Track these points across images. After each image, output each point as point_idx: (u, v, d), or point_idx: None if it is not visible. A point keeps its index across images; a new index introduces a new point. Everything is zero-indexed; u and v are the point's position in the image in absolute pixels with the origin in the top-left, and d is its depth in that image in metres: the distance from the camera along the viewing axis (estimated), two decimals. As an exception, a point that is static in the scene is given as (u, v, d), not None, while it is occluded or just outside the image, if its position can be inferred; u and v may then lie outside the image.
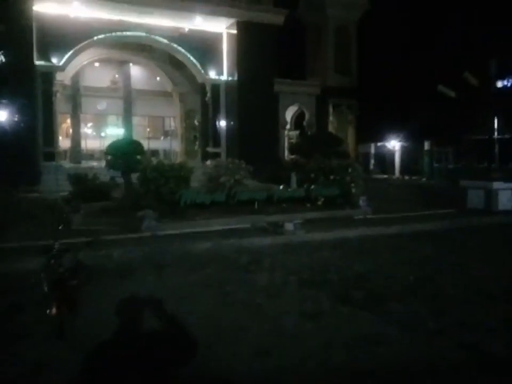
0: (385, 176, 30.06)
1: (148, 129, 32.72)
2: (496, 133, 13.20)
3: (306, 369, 3.94)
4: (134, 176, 11.43)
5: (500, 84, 12.12)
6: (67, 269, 4.54)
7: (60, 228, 4.90)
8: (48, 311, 4.16)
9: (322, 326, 4.83)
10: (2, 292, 5.88)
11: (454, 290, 6.12)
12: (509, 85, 12.04)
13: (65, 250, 4.61)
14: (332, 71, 28.83)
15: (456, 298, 5.77)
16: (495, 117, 12.68)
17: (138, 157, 12.63)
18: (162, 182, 10.06)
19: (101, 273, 6.92)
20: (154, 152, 30.02)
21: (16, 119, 19.28)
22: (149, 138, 30.77)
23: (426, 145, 28.98)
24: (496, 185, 12.27)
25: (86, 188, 12.84)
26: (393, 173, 30.90)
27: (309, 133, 26.77)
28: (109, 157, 11.92)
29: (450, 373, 3.90)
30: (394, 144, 31.00)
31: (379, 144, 32.58)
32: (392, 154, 31.46)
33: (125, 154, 11.39)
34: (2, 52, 13.26)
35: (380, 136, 31.78)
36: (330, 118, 28.83)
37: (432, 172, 27.77)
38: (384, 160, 32.38)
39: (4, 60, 13.42)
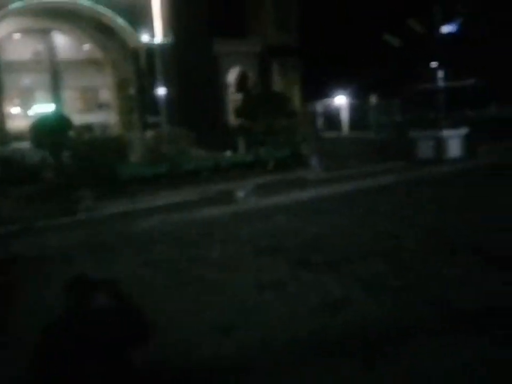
0: (335, 133, 30.01)
1: (80, 103, 30.63)
2: (442, 81, 13.04)
3: (272, 343, 3.59)
4: (66, 154, 10.37)
5: (445, 30, 11.82)
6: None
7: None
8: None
9: (284, 295, 4.50)
10: None
11: (415, 244, 5.91)
12: (455, 30, 11.77)
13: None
14: (273, 29, 27.87)
15: (418, 253, 5.57)
16: (441, 64, 12.48)
17: (71, 133, 11.51)
18: (96, 157, 9.13)
19: (35, 264, 6.13)
20: (89, 127, 28.13)
21: None
22: (81, 111, 28.74)
23: (373, 99, 29.02)
24: (446, 133, 12.22)
25: (13, 171, 11.66)
26: (342, 130, 30.91)
27: (253, 94, 26.00)
28: (34, 136, 10.73)
29: (420, 329, 3.69)
30: (341, 101, 30.85)
31: (326, 102, 32.34)
32: (339, 111, 31.36)
33: (52, 131, 10.26)
34: None
35: (326, 93, 31.48)
36: (275, 78, 28.10)
37: (380, 126, 27.90)
38: (332, 117, 32.27)
39: None
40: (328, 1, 30.32)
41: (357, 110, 30.12)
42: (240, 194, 9.12)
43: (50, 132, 10.42)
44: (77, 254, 6.45)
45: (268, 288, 4.65)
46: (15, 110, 28.41)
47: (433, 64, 12.53)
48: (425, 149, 12.27)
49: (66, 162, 10.16)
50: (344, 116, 30.83)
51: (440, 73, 12.61)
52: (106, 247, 6.73)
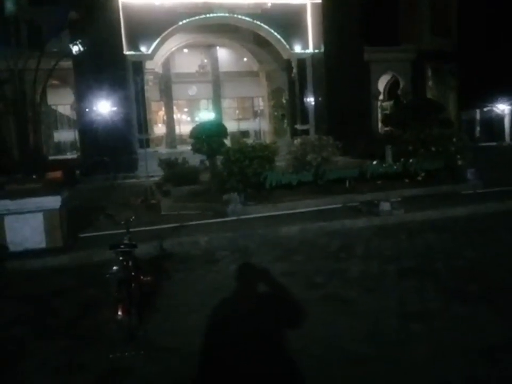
0: (494, 143, 27.07)
1: (237, 111, 32.74)
2: None
3: None
4: (220, 159, 11.14)
5: None
6: (137, 265, 4.20)
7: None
8: (114, 315, 3.80)
9: (431, 329, 4.00)
10: (76, 286, 5.78)
11: None
12: None
13: (134, 245, 4.24)
14: (428, 33, 26.29)
15: None
16: None
17: (227, 140, 12.32)
18: (246, 163, 9.61)
19: (185, 261, 6.70)
20: (245, 133, 29.99)
21: (113, 109, 20.17)
22: (239, 119, 30.80)
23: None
24: None
25: (175, 172, 12.92)
26: (503, 139, 27.74)
27: (404, 101, 24.79)
28: (194, 141, 11.76)
29: None
30: (503, 108, 27.72)
31: (485, 109, 29.34)
32: (501, 119, 28.20)
33: (208, 137, 11.12)
34: (80, 41, 13.71)
35: (485, 100, 28.57)
36: (429, 84, 26.43)
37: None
38: (492, 126, 29.15)
39: (81, 49, 13.90)
40: (489, 2, 27.38)
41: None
42: (386, 206, 8.72)
43: (207, 137, 11.30)
44: (220, 255, 6.88)
45: (412, 318, 4.20)
46: (182, 116, 31.67)
47: None
48: None
49: (220, 166, 10.92)
50: (507, 124, 27.64)
51: None
52: (248, 252, 7.02)
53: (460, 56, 26.29)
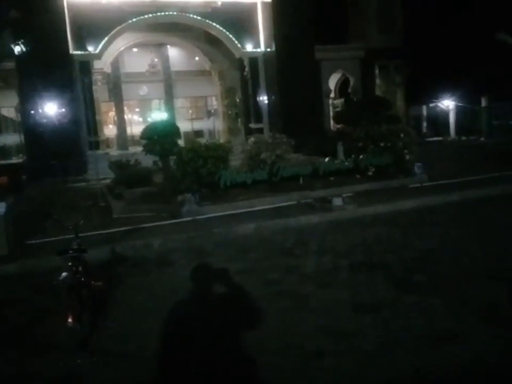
0: (440, 138, 28.28)
1: (191, 111, 32.42)
2: None
3: (366, 374, 3.32)
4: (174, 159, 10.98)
5: None
6: (88, 270, 4.09)
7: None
8: (65, 322, 3.67)
9: (382, 320, 4.13)
10: (24, 295, 5.55)
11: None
12: None
13: (84, 250, 4.12)
14: (375, 32, 27.04)
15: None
16: None
17: (181, 140, 12.16)
18: (200, 163, 9.54)
19: (139, 265, 6.57)
20: (199, 133, 29.74)
21: (60, 111, 19.46)
22: (192, 119, 30.51)
23: (484, 102, 26.86)
24: None
25: (127, 174, 12.63)
26: (449, 134, 29.02)
27: (355, 99, 25.41)
28: (145, 142, 11.54)
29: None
30: (448, 104, 28.99)
31: (431, 105, 30.59)
32: (446, 114, 29.47)
33: (161, 137, 10.94)
34: (22, 40, 13.12)
35: (431, 96, 29.80)
36: (377, 81, 27.21)
37: (492, 130, 25.72)
38: (438, 121, 30.45)
39: (24, 49, 13.31)
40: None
41: (465, 113, 28.10)
42: (338, 201, 8.92)
43: (160, 138, 11.11)
44: (175, 257, 6.79)
45: (364, 310, 4.33)
46: (134, 117, 30.99)
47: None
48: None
49: (173, 167, 10.77)
50: (451, 120, 28.97)
51: None
52: (204, 252, 6.97)
53: (405, 53, 27.23)
